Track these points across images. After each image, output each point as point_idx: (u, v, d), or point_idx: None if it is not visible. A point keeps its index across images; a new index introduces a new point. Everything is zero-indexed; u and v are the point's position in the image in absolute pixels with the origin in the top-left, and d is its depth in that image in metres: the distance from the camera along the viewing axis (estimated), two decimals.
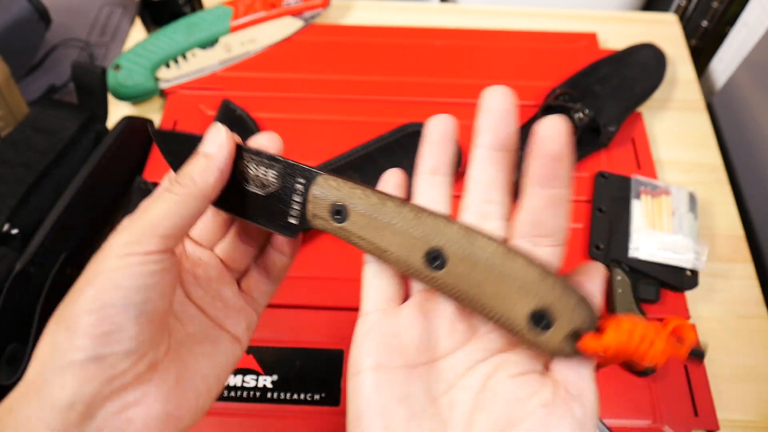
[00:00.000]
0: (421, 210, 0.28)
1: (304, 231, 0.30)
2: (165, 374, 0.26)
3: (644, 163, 0.62)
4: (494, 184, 0.29)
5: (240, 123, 0.62)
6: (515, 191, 0.30)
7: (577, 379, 0.25)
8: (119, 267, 0.25)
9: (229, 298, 0.31)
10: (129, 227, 0.26)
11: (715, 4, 0.75)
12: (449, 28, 0.74)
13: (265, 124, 0.64)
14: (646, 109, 0.67)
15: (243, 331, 0.31)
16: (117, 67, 0.66)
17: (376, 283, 0.28)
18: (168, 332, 0.27)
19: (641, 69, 0.66)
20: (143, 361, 0.25)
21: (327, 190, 0.28)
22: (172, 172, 0.29)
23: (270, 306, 0.53)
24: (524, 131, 0.60)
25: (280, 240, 0.32)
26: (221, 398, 0.48)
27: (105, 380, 0.24)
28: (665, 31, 0.75)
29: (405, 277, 0.29)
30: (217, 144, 0.28)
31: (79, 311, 0.25)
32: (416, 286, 0.29)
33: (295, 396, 0.48)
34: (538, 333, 0.25)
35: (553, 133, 0.25)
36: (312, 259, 0.55)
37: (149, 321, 0.25)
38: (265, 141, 0.31)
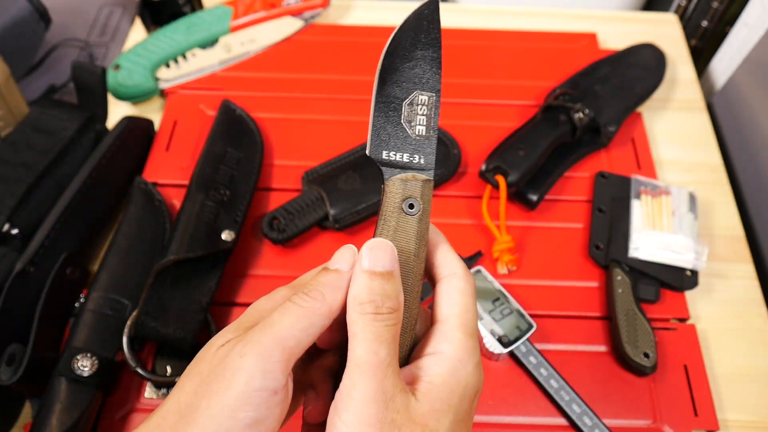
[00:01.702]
0: None
1: None
2: None
3: (644, 163, 0.62)
4: None
5: (240, 123, 0.62)
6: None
7: None
8: (243, 414, 0.24)
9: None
10: (255, 341, 0.25)
11: (715, 4, 0.75)
12: (449, 28, 0.74)
13: (265, 124, 0.64)
14: (646, 109, 0.67)
15: None
16: (117, 67, 0.66)
17: None
18: None
19: (641, 69, 0.66)
20: None
21: None
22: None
23: None
24: (524, 131, 0.60)
25: None
26: None
27: None
28: (665, 31, 0.75)
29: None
30: (348, 263, 0.28)
31: None
32: None
33: None
34: None
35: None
36: (312, 259, 0.55)
37: None
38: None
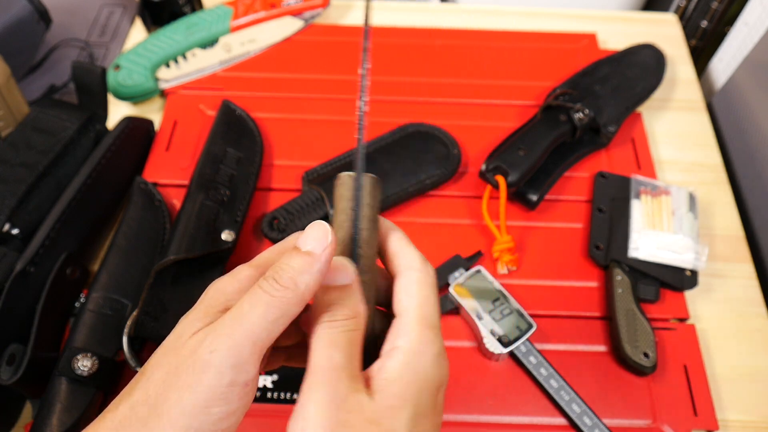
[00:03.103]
0: None
1: None
2: None
3: (644, 163, 0.62)
4: None
5: (240, 123, 0.62)
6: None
7: None
8: (216, 409, 0.24)
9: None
10: (225, 336, 0.25)
11: (715, 4, 0.75)
12: (449, 28, 0.74)
13: (265, 124, 0.64)
14: (646, 109, 0.67)
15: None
16: (117, 67, 0.66)
17: None
18: None
19: (641, 69, 0.66)
20: None
21: None
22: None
23: None
24: (524, 131, 0.60)
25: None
26: None
27: None
28: (665, 31, 0.75)
29: None
30: (322, 244, 0.26)
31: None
32: None
33: (295, 396, 0.48)
34: None
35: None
36: None
37: None
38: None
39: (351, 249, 0.28)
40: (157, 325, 0.47)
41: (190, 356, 0.25)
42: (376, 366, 0.27)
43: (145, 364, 0.26)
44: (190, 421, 0.24)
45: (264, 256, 0.29)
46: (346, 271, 0.27)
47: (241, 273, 0.28)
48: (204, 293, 0.28)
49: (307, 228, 0.27)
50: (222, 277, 0.28)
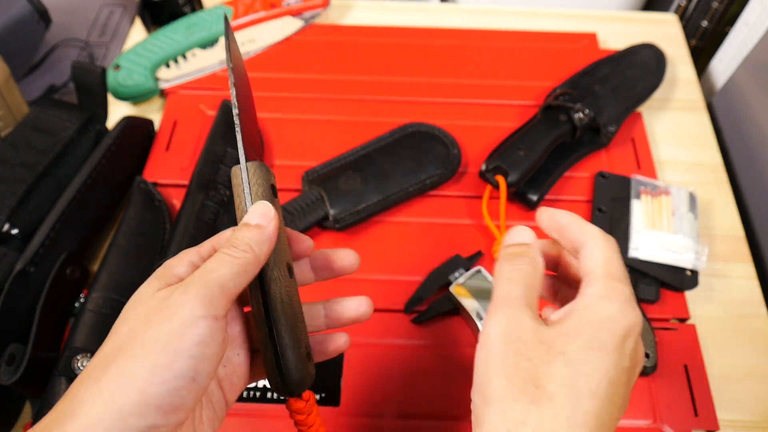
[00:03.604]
0: None
1: None
2: None
3: (644, 163, 0.62)
4: None
5: None
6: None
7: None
8: (190, 333, 0.25)
9: (237, 365, 0.32)
10: (196, 283, 0.27)
11: (715, 4, 0.75)
12: (449, 28, 0.74)
13: (265, 124, 0.64)
14: (646, 109, 0.67)
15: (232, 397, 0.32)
16: (117, 67, 0.66)
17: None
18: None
19: (641, 69, 0.66)
20: (183, 428, 0.27)
21: None
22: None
23: None
24: (524, 131, 0.60)
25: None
26: None
27: None
28: (665, 31, 0.75)
29: None
30: (267, 218, 0.30)
31: (146, 376, 0.25)
32: None
33: None
34: None
35: None
36: None
37: (201, 391, 0.26)
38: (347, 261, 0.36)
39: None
40: None
41: (161, 303, 0.26)
42: (559, 312, 0.30)
43: (114, 326, 0.28)
44: (165, 344, 0.25)
45: (207, 243, 0.31)
46: (526, 232, 0.33)
47: (185, 256, 0.30)
48: (155, 271, 0.30)
49: (251, 207, 0.30)
50: (170, 259, 0.30)
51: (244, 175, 0.32)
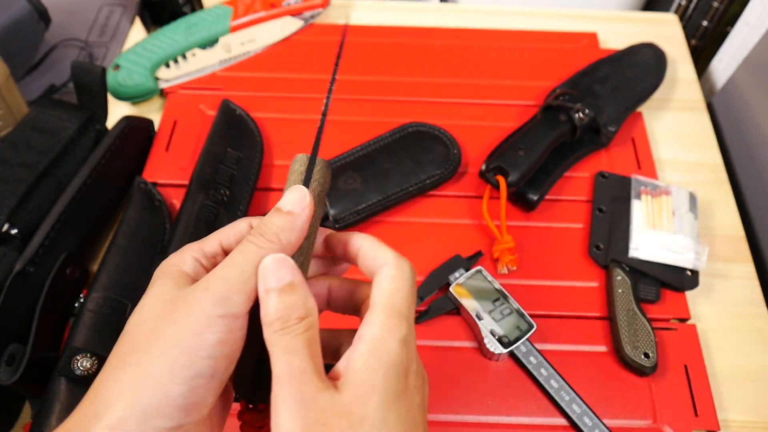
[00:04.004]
0: None
1: None
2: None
3: (644, 163, 0.62)
4: None
5: (240, 123, 0.62)
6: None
7: None
8: (209, 332, 0.25)
9: None
10: (216, 280, 0.26)
11: (715, 4, 0.75)
12: (449, 28, 0.74)
13: (265, 124, 0.64)
14: (646, 109, 0.67)
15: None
16: (117, 67, 0.66)
17: None
18: None
19: (641, 69, 0.66)
20: (205, 426, 0.27)
21: None
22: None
23: None
24: (524, 131, 0.60)
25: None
26: None
27: None
28: (665, 31, 0.75)
29: None
30: (300, 205, 0.29)
31: (167, 376, 0.25)
32: None
33: None
34: None
35: None
36: None
37: (221, 386, 0.26)
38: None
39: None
40: None
41: (180, 300, 0.26)
42: (342, 360, 0.27)
43: (126, 329, 0.27)
44: (186, 346, 0.25)
45: (212, 239, 0.30)
46: (287, 267, 0.27)
47: (188, 253, 0.29)
48: (160, 267, 0.29)
49: (286, 192, 0.29)
50: (172, 255, 0.29)
51: (302, 167, 0.30)
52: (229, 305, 0.26)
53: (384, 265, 0.29)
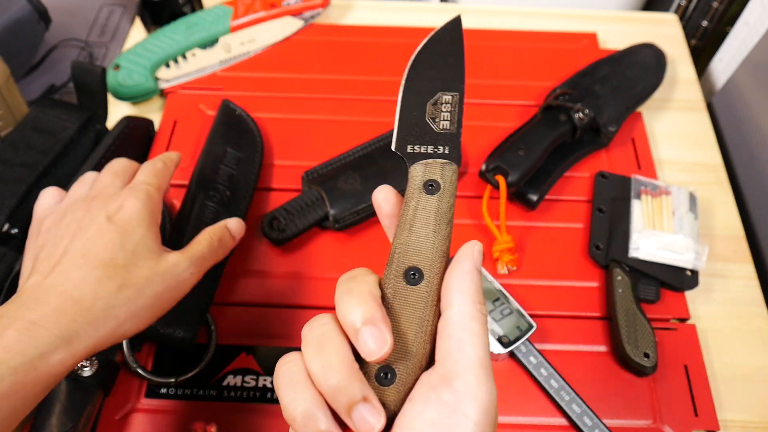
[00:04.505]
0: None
1: None
2: None
3: (644, 163, 0.62)
4: None
5: (240, 123, 0.62)
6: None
7: None
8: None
9: None
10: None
11: (715, 4, 0.75)
12: None
13: (265, 124, 0.64)
14: (646, 109, 0.67)
15: None
16: (117, 67, 0.66)
17: None
18: None
19: (641, 69, 0.66)
20: None
21: None
22: None
23: (269, 306, 0.53)
24: (524, 131, 0.60)
25: None
26: (221, 398, 0.48)
27: None
28: (665, 31, 0.75)
29: None
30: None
31: None
32: None
33: None
34: None
35: None
36: (312, 259, 0.55)
37: None
38: None
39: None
40: (158, 325, 0.47)
41: None
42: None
43: None
44: None
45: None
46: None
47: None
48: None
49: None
50: None
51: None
52: None
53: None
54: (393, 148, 0.31)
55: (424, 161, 0.31)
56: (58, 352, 0.33)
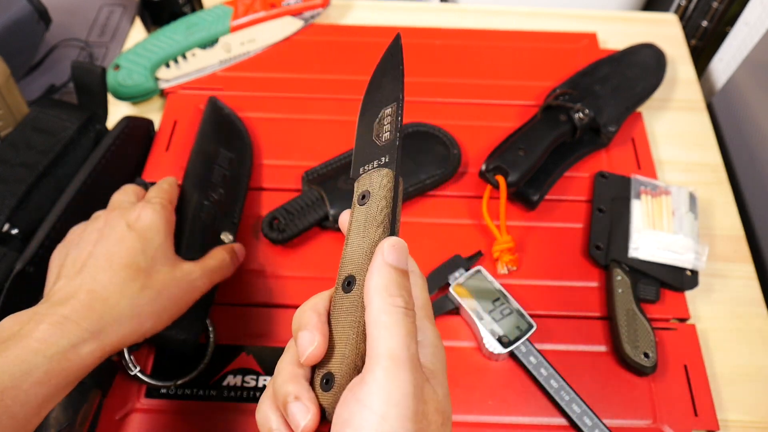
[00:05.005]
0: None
1: None
2: None
3: (644, 163, 0.62)
4: None
5: (229, 123, 0.62)
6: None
7: None
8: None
9: None
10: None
11: (715, 4, 0.75)
12: (449, 28, 0.74)
13: (264, 124, 0.64)
14: (646, 109, 0.67)
15: None
16: (117, 67, 0.66)
17: None
18: None
19: (641, 69, 0.66)
20: None
21: None
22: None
23: (269, 306, 0.53)
24: (524, 131, 0.60)
25: None
26: (221, 398, 0.48)
27: None
28: (665, 31, 0.75)
29: None
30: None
31: None
32: None
33: None
34: None
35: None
36: (310, 258, 0.55)
37: None
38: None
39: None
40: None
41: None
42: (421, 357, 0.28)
43: None
44: None
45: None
46: (406, 253, 0.29)
47: None
48: None
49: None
50: None
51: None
52: None
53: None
54: (351, 176, 0.32)
55: (360, 176, 0.32)
56: (87, 344, 0.37)
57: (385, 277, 0.27)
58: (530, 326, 0.49)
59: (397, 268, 0.28)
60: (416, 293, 0.30)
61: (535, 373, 0.48)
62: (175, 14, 0.70)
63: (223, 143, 0.58)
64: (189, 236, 0.50)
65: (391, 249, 0.28)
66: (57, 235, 0.49)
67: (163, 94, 0.68)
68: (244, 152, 0.59)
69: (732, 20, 0.73)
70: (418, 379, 0.26)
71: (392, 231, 0.30)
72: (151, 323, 0.41)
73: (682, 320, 0.53)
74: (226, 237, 0.52)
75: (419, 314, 0.29)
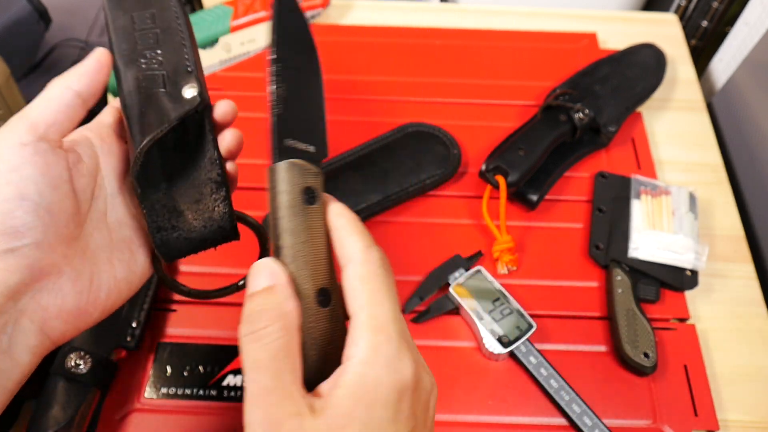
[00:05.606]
0: None
1: None
2: (80, 272, 0.28)
3: (644, 163, 0.62)
4: None
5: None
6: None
7: None
8: (3, 161, 0.27)
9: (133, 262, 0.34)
10: (16, 117, 0.29)
11: (715, 4, 0.75)
12: (449, 28, 0.74)
13: (264, 124, 0.64)
14: (646, 109, 0.67)
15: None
16: None
17: None
18: (81, 232, 0.29)
19: (641, 69, 0.66)
20: (55, 252, 0.27)
21: None
22: None
23: None
24: (524, 131, 0.60)
25: None
26: (221, 398, 0.48)
27: (24, 268, 0.26)
28: (665, 31, 0.75)
29: None
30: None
31: None
32: None
33: None
34: None
35: None
36: None
37: (48, 213, 0.27)
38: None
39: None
40: (181, 231, 0.37)
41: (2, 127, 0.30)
42: (330, 380, 0.26)
43: None
44: None
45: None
46: (266, 271, 0.27)
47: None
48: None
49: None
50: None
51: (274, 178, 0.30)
52: (39, 130, 0.28)
53: (350, 263, 0.27)
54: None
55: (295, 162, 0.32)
56: None
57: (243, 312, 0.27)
58: (530, 326, 0.49)
59: (251, 294, 0.28)
60: (354, 292, 0.27)
61: (535, 373, 0.48)
62: None
63: (132, 7, 0.41)
64: (134, 121, 0.36)
65: (248, 279, 0.28)
66: None
67: None
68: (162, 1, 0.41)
69: (732, 20, 0.73)
70: (273, 414, 0.24)
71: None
72: None
73: (682, 320, 0.53)
74: (191, 90, 0.39)
75: (354, 323, 0.26)
